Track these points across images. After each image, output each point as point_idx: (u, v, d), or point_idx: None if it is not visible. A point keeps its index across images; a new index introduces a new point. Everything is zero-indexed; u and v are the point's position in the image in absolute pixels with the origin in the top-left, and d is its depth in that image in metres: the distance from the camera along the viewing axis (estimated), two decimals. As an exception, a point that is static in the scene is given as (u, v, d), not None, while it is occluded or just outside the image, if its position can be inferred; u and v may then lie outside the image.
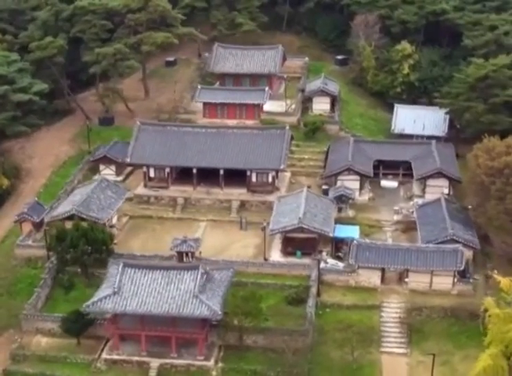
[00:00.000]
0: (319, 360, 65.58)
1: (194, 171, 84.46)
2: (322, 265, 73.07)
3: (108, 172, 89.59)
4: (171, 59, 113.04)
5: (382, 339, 67.84)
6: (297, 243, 75.03)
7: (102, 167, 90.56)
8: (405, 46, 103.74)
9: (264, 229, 74.96)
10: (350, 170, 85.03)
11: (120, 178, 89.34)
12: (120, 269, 65.73)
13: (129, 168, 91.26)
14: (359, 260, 71.84)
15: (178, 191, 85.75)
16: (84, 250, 70.80)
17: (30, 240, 78.04)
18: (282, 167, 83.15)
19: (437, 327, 69.10)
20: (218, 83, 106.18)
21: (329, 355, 66.12)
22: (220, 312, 62.81)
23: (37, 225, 79.14)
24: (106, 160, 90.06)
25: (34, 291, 71.71)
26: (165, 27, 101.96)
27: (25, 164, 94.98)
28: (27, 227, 78.80)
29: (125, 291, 64.63)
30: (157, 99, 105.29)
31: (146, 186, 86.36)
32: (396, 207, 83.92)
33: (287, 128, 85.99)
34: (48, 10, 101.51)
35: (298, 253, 75.01)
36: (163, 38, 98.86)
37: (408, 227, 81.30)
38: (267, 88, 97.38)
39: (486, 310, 63.89)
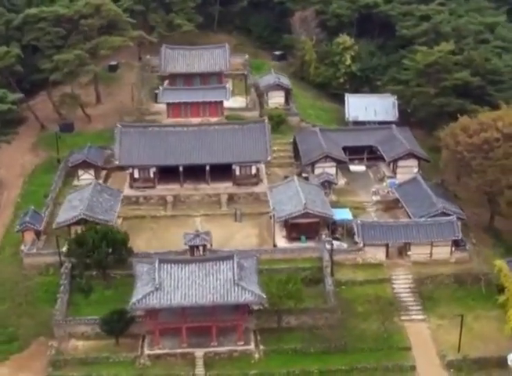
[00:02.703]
0: (351, 333, 70.00)
1: (181, 169, 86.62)
2: (328, 246, 77.42)
3: (87, 177, 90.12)
4: (113, 63, 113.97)
5: (400, 309, 73.13)
6: (301, 228, 78.90)
7: (80, 172, 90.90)
8: (346, 39, 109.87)
9: (272, 217, 78.64)
10: (327, 157, 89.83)
11: (99, 182, 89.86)
12: (157, 265, 67.59)
13: (104, 172, 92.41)
14: (366, 238, 76.87)
15: (165, 190, 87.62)
16: (105, 251, 71.84)
17: (34, 248, 78.01)
18: (269, 158, 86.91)
19: (444, 293, 75.08)
20: (165, 84, 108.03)
21: (359, 327, 70.61)
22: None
23: (37, 233, 79.46)
24: (85, 165, 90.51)
25: (58, 297, 72.05)
26: (116, 31, 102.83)
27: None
28: (29, 236, 78.56)
29: (166, 286, 66.51)
30: (109, 104, 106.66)
31: (132, 187, 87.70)
32: (373, 189, 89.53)
33: (266, 120, 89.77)
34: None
35: (303, 238, 78.93)
36: (120, 42, 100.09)
37: (388, 206, 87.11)
38: (228, 86, 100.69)
39: (499, 271, 71.26)
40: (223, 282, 66.89)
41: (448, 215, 78.55)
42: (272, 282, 68.85)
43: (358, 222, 78.13)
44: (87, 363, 67.43)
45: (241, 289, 66.16)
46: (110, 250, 72.21)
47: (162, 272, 67.42)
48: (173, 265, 68.07)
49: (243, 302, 66.47)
